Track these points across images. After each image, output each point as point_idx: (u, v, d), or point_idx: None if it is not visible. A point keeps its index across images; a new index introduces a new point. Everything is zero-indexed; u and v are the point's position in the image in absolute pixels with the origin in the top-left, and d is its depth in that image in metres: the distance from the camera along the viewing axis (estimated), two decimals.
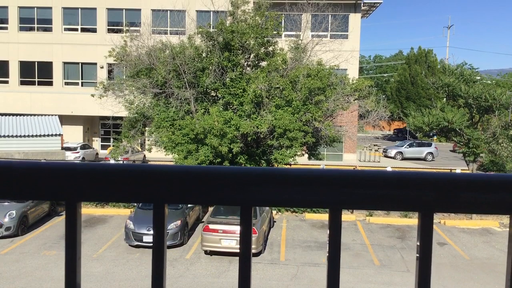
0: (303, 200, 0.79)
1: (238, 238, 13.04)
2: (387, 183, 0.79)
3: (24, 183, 0.78)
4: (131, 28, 25.59)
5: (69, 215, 0.81)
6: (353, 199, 0.79)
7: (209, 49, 20.11)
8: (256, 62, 20.58)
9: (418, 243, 0.82)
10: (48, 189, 0.79)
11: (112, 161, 23.61)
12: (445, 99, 28.40)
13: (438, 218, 20.42)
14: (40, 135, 25.55)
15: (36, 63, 36.60)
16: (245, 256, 0.82)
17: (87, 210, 20.16)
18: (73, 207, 0.81)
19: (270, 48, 20.39)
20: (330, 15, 28.28)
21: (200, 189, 0.80)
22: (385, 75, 75.26)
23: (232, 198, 0.80)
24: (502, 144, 22.82)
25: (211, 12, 29.39)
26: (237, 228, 15.18)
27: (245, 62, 20.39)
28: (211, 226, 14.99)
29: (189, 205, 17.03)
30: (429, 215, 0.81)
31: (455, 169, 27.20)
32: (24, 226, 17.19)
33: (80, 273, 0.84)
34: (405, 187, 0.79)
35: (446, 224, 20.09)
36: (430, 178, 0.80)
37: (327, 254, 0.82)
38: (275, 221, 19.57)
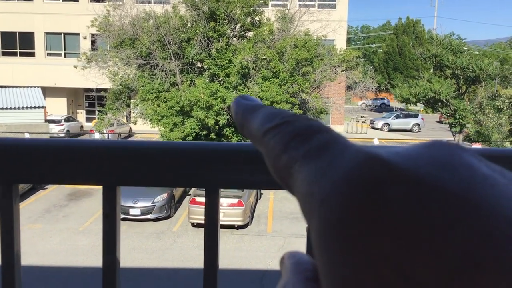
0: (273, 180, 0.69)
1: (225, 211, 12.94)
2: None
3: None
4: None
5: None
6: None
7: (194, 19, 19.77)
8: (243, 32, 20.31)
9: None
10: None
11: (97, 134, 23.41)
12: (432, 70, 28.38)
13: None
14: (22, 107, 25.15)
15: (17, 33, 35.77)
16: (210, 251, 0.72)
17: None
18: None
19: (257, 18, 20.10)
20: None
21: (155, 168, 0.70)
22: (373, 45, 75.13)
23: (195, 179, 0.72)
24: (488, 115, 22.96)
25: None
26: (224, 201, 15.20)
27: (231, 32, 20.11)
28: (198, 199, 14.99)
29: None
30: None
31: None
32: None
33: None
34: None
35: None
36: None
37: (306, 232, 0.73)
38: (262, 194, 19.63)
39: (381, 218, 0.20)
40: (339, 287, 0.20)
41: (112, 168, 0.71)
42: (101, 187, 0.75)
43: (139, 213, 15.60)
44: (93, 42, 32.38)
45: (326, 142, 0.28)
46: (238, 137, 19.67)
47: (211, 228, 0.73)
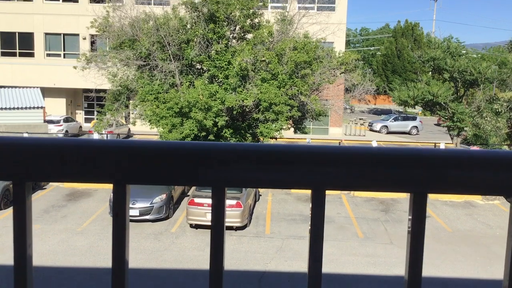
0: (283, 180, 0.73)
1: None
2: (376, 161, 0.73)
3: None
4: None
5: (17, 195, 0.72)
6: (338, 179, 0.73)
7: (193, 21, 19.77)
8: (242, 34, 20.32)
9: (410, 226, 0.75)
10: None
11: (95, 135, 23.39)
12: (430, 73, 28.42)
13: None
14: (21, 108, 25.13)
15: (17, 33, 35.75)
16: (217, 249, 0.74)
17: (70, 184, 20.02)
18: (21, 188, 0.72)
19: (256, 20, 20.11)
20: None
21: (164, 167, 0.73)
22: (371, 48, 75.11)
23: (202, 178, 0.73)
24: (486, 118, 22.99)
25: None
26: None
27: (230, 34, 20.12)
28: (196, 200, 14.99)
29: None
30: (422, 196, 0.74)
31: (439, 143, 27.43)
32: (6, 200, 17.02)
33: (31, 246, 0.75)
34: (395, 166, 0.72)
35: (429, 197, 20.34)
36: (424, 154, 0.73)
37: (309, 235, 0.75)
38: (261, 195, 19.63)
39: None
40: None
41: (122, 166, 0.72)
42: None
43: (138, 214, 15.60)
44: (92, 43, 32.40)
45: None
46: (237, 139, 19.67)
47: (217, 227, 0.74)
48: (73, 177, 0.71)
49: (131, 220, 15.53)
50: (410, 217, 0.75)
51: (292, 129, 22.23)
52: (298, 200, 19.18)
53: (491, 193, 0.73)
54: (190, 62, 19.81)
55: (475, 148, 22.06)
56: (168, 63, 19.36)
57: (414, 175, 0.72)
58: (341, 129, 38.09)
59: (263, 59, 18.96)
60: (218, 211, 0.75)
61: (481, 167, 0.72)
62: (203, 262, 12.84)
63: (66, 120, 32.26)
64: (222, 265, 0.74)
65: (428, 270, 12.64)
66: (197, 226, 15.39)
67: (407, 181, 0.72)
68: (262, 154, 0.72)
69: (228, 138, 19.54)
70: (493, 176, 0.72)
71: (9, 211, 16.67)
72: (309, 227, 0.75)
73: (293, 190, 20.33)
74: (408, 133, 41.43)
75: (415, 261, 0.75)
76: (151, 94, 19.12)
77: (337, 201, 19.21)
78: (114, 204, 0.74)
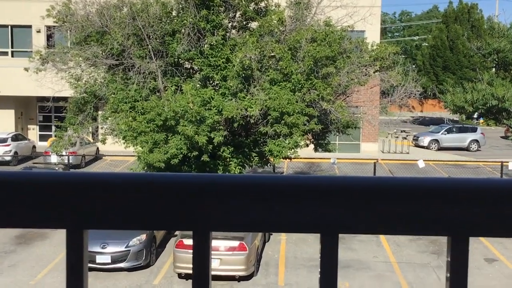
0: (282, 222, 0.74)
1: (223, 257, 12.90)
2: (404, 196, 0.73)
3: None
4: None
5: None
6: (355, 220, 0.74)
7: (181, 6, 19.96)
8: (244, 23, 20.46)
9: (448, 275, 0.76)
10: None
11: (53, 156, 23.52)
12: (494, 69, 28.48)
13: None
14: None
15: None
16: None
17: None
18: None
19: (262, 4, 20.27)
20: None
21: (131, 207, 0.73)
22: (415, 38, 75.33)
23: (182, 220, 0.74)
24: None
25: None
26: (221, 244, 15.18)
27: (229, 22, 20.26)
28: (186, 242, 14.98)
29: None
30: (463, 240, 0.75)
31: (508, 162, 27.32)
32: None
33: None
34: (429, 201, 0.73)
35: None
36: (468, 187, 0.74)
37: None
38: (272, 234, 19.58)
39: None
40: None
41: (78, 206, 0.73)
42: (62, 230, 0.78)
43: (109, 261, 15.58)
44: (49, 37, 32.65)
45: None
46: (239, 159, 19.70)
47: (200, 282, 0.75)
48: (11, 221, 0.73)
49: (101, 269, 15.50)
50: (449, 259, 0.76)
51: (312, 146, 22.23)
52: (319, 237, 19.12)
53: None
54: (176, 60, 19.93)
55: None
56: (148, 62, 19.50)
57: (453, 213, 0.73)
58: (377, 145, 38.06)
59: (272, 54, 19.05)
60: (201, 261, 0.75)
61: None
62: None
63: (15, 138, 32.46)
64: None
65: None
66: (187, 277, 15.35)
67: (443, 221, 0.73)
68: (254, 187, 0.73)
69: (228, 159, 19.56)
70: None
71: None
72: (318, 283, 0.76)
73: None
74: (466, 149, 41.30)
75: None
76: (125, 102, 19.22)
77: (373, 240, 19.12)
78: (68, 255, 0.75)
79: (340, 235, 0.76)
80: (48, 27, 31.42)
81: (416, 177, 0.75)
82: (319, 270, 0.77)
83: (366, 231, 0.74)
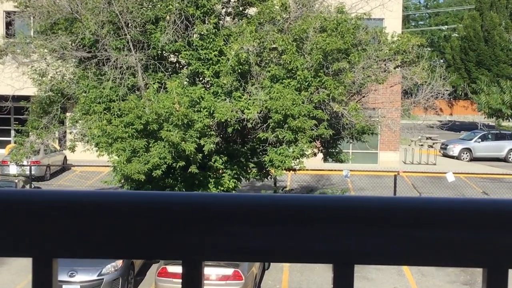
0: (290, 250, 0.75)
1: (214, 287, 12.86)
2: (428, 220, 0.75)
3: None
4: None
5: None
6: (373, 248, 0.75)
7: None
8: (241, 8, 20.53)
9: None
10: None
11: (12, 167, 23.61)
12: None
13: None
14: None
15: None
16: None
17: None
18: None
19: None
20: None
21: (106, 233, 0.78)
22: (443, 28, 75.34)
23: (168, 248, 0.79)
24: None
25: None
26: (213, 272, 15.17)
27: (222, 8, 20.33)
28: (171, 269, 15.02)
29: None
30: (502, 272, 0.76)
31: None
32: None
33: None
34: (462, 227, 0.74)
35: None
36: (505, 209, 0.75)
37: None
38: None
39: None
40: None
41: (45, 232, 0.77)
42: (28, 259, 0.80)
43: None
44: (8, 24, 32.73)
45: None
46: (234, 171, 19.74)
47: None
48: None
49: None
50: None
51: (321, 155, 22.23)
52: (330, 267, 19.22)
53: None
54: (160, 52, 19.98)
55: None
56: (126, 55, 19.49)
57: (490, 241, 0.75)
58: (398, 154, 38.04)
59: (274, 46, 19.10)
60: None
61: None
62: None
63: None
64: None
65: None
66: None
67: (478, 250, 0.75)
68: (253, 209, 0.76)
69: (221, 171, 19.61)
70: None
71: None
72: None
73: None
74: (504, 159, 41.44)
75: None
76: (99, 102, 19.20)
77: (393, 268, 19.22)
78: (34, 284, 0.78)
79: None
80: (7, 13, 31.49)
81: (445, 198, 0.76)
82: None
83: (386, 262, 0.76)
